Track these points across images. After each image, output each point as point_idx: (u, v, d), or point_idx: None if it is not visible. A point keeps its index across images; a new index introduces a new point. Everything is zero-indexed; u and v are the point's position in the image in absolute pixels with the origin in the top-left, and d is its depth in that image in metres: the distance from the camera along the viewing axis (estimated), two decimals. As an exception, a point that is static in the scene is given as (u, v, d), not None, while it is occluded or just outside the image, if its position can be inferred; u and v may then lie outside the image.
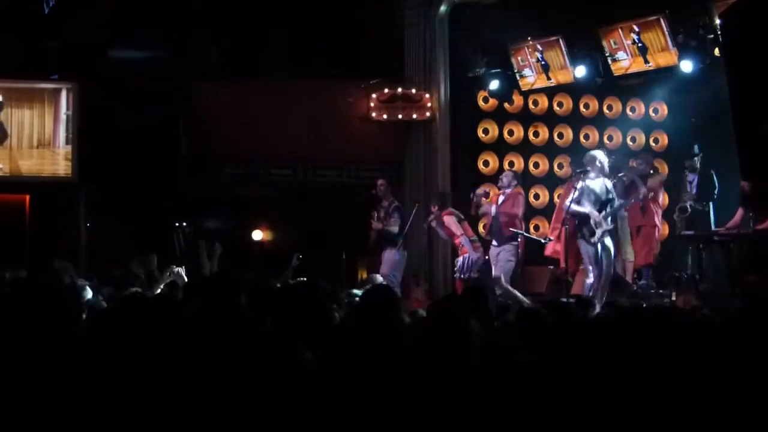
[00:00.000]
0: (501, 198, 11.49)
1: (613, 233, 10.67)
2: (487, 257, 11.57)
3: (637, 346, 3.54)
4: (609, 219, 10.33)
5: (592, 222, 10.17)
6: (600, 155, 10.75)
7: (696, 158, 11.80)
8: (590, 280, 10.21)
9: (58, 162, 13.26)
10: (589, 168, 10.49)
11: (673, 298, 10.46)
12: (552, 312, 4.59)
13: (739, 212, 10.68)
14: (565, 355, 3.83)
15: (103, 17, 13.05)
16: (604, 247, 10.31)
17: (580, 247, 10.37)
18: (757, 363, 3.27)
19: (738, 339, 3.44)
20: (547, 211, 14.08)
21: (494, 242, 11.39)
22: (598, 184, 10.44)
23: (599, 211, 10.29)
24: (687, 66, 11.22)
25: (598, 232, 10.17)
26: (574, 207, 10.25)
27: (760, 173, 9.52)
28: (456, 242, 11.70)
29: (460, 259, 11.57)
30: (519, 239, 11.34)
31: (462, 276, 11.47)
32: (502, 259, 11.13)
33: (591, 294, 9.69)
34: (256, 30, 13.41)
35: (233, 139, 13.28)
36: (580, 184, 10.38)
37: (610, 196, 10.43)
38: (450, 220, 11.57)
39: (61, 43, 13.25)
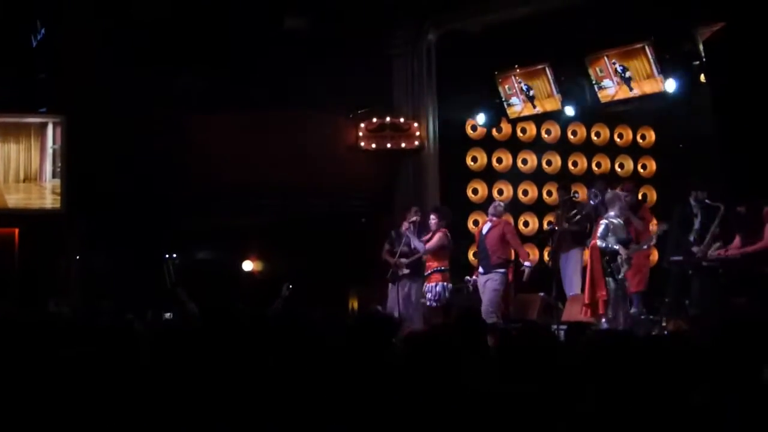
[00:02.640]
0: (487, 225, 11.45)
1: None
2: (474, 284, 11.53)
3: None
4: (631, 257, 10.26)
5: (619, 259, 10.09)
6: (622, 195, 10.73)
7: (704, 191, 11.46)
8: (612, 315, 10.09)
9: (45, 196, 13.24)
10: (610, 206, 10.45)
11: (664, 324, 10.44)
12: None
13: (737, 237, 10.63)
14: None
15: (91, 50, 13.07)
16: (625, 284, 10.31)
17: (606, 284, 10.23)
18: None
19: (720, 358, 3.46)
20: (536, 238, 14.08)
21: (480, 269, 11.34)
22: (621, 223, 10.37)
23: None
24: (671, 86, 11.22)
25: (624, 269, 10.12)
26: (600, 243, 10.15)
27: (746, 197, 9.58)
28: (428, 264, 11.53)
29: (430, 286, 11.43)
30: (508, 267, 11.29)
31: (435, 304, 11.37)
32: (488, 288, 11.08)
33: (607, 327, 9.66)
34: (243, 61, 13.44)
35: (222, 170, 13.27)
36: (604, 221, 10.28)
37: (628, 236, 10.37)
38: (441, 239, 11.46)
39: (49, 76, 13.26)
